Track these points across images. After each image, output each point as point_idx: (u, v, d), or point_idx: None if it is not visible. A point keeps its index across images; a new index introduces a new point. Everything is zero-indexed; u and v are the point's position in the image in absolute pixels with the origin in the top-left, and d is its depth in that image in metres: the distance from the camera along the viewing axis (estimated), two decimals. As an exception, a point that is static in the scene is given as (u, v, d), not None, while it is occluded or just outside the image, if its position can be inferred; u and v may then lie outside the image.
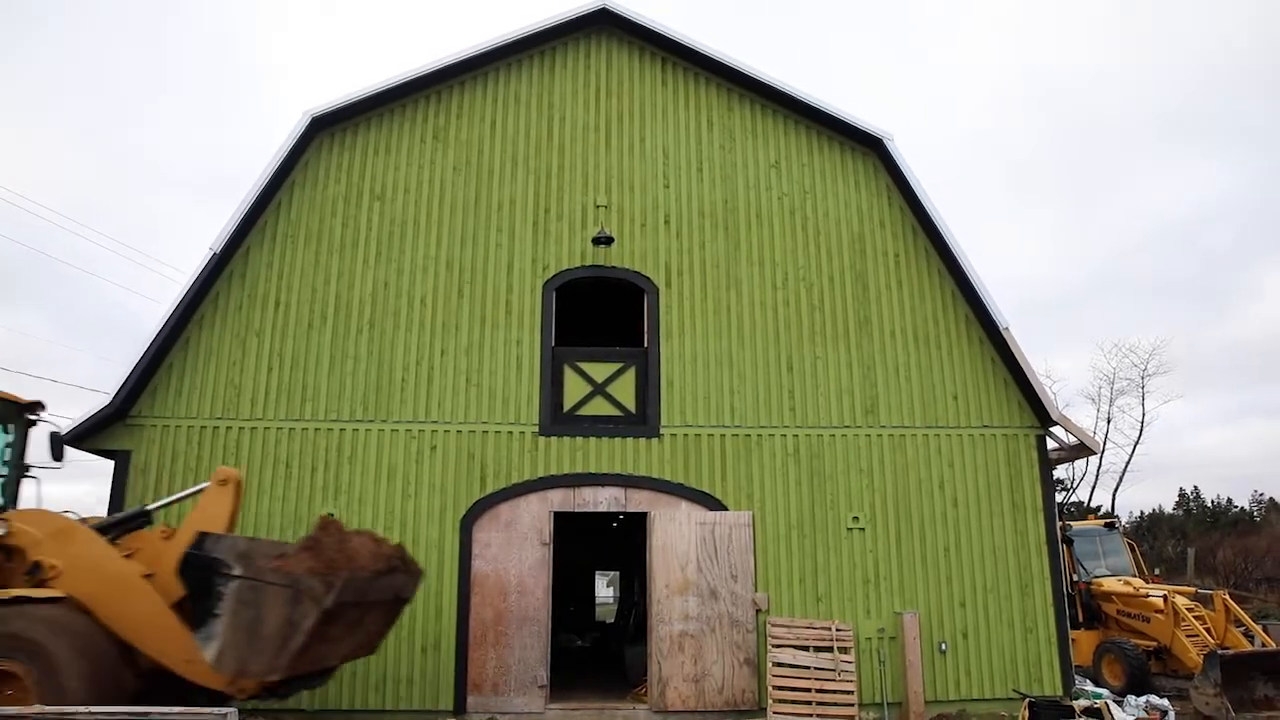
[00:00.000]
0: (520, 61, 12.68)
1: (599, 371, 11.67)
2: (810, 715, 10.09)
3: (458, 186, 12.07)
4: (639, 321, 12.59)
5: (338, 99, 11.90)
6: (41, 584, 6.95)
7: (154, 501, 8.68)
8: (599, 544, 20.44)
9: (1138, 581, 14.07)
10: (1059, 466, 15.13)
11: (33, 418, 8.60)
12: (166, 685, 7.04)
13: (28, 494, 8.45)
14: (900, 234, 12.36)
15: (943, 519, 11.40)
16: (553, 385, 11.48)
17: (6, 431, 8.31)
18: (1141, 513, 40.04)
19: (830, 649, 10.50)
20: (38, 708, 6.15)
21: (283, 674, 6.63)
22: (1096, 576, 14.39)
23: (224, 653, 6.46)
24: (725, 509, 11.19)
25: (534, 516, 11.02)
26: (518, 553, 10.91)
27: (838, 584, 11.09)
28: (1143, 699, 11.17)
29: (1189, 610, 12.59)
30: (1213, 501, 40.20)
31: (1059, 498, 30.43)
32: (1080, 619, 13.89)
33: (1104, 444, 31.15)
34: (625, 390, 11.60)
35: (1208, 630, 12.37)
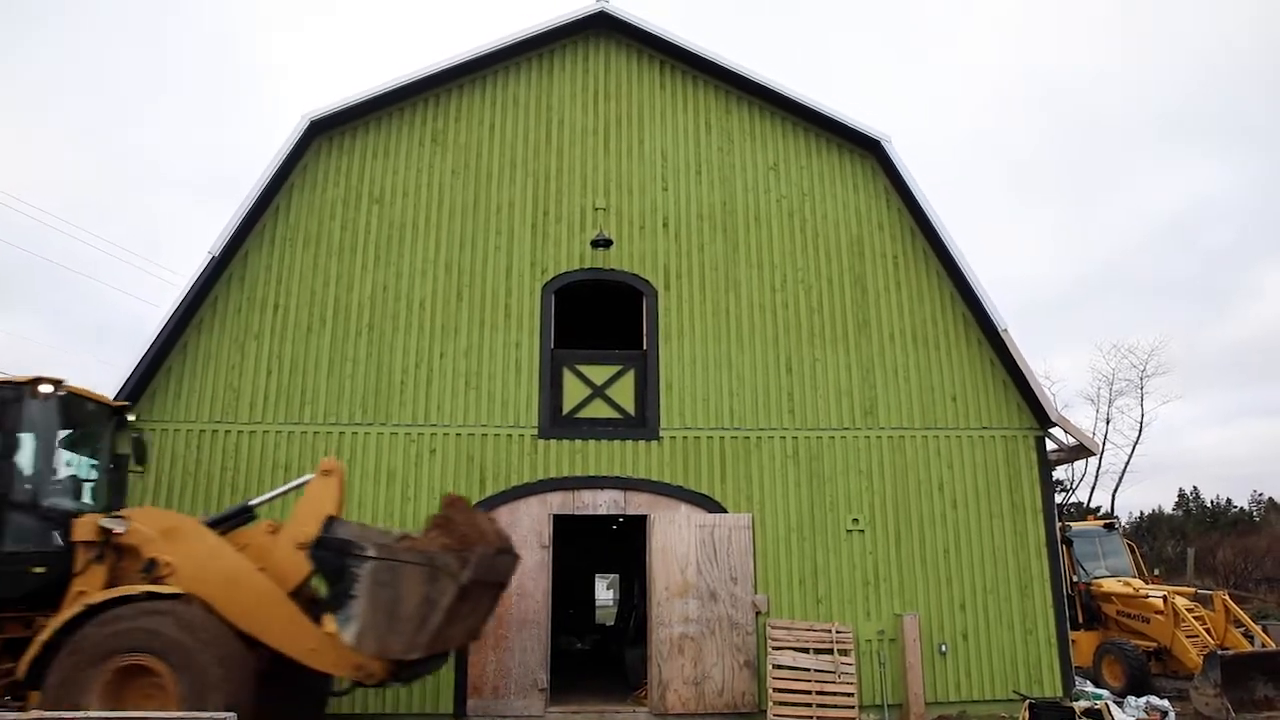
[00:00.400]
0: (519, 64, 12.70)
1: (598, 374, 11.67)
2: (810, 717, 10.09)
3: (457, 189, 12.08)
4: (638, 324, 12.59)
5: (336, 102, 11.92)
6: (157, 581, 6.94)
7: (255, 497, 8.53)
8: (599, 547, 20.43)
9: (1137, 582, 14.08)
10: (1058, 467, 15.14)
11: (122, 420, 8.62)
12: (286, 674, 7.05)
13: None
14: (899, 236, 12.38)
15: (942, 520, 11.41)
16: (552, 388, 11.48)
17: (96, 434, 8.28)
18: (1141, 513, 40.08)
19: (830, 651, 10.50)
20: (36, 712, 6.15)
21: (422, 652, 6.70)
22: (1096, 577, 14.40)
23: (364, 633, 6.46)
24: (725, 511, 11.19)
25: (533, 519, 11.02)
26: (517, 555, 10.89)
27: (837, 586, 11.09)
28: (1143, 700, 11.17)
29: (1189, 611, 12.59)
30: (1212, 502, 40.23)
31: (1058, 499, 30.42)
32: (1080, 620, 13.89)
33: (1103, 445, 31.18)
34: (624, 393, 11.60)
35: (1207, 631, 12.38)
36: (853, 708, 10.18)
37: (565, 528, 12.05)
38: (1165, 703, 11.04)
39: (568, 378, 11.60)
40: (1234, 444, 53.64)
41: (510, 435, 11.25)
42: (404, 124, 12.30)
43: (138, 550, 7.17)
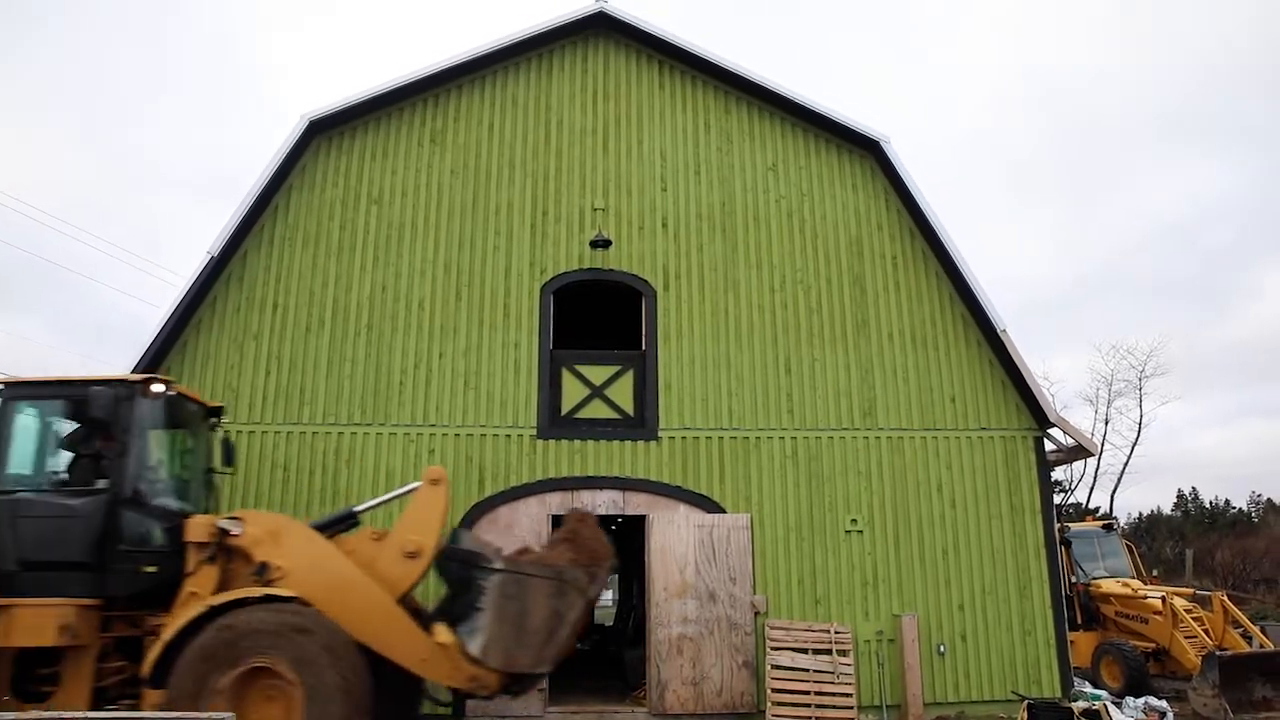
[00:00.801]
0: (518, 65, 12.70)
1: (597, 374, 11.67)
2: (809, 718, 10.09)
3: (455, 190, 12.08)
4: (637, 324, 12.60)
5: (335, 102, 11.92)
6: (268, 584, 6.84)
7: (360, 504, 8.36)
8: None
9: (1136, 583, 14.09)
10: (1057, 468, 15.15)
11: (215, 421, 8.60)
12: (393, 682, 6.99)
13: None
14: (898, 236, 12.39)
15: (941, 521, 11.41)
16: (551, 388, 11.48)
17: (195, 435, 8.24)
18: (1140, 514, 40.10)
19: (829, 651, 10.50)
20: (35, 712, 6.14)
21: (548, 666, 6.67)
22: (1095, 578, 14.41)
23: (490, 645, 6.39)
24: (723, 511, 11.19)
25: (532, 519, 11.02)
26: (516, 556, 10.88)
27: (836, 586, 11.09)
28: (1141, 700, 11.18)
29: (1187, 612, 12.60)
30: (1211, 503, 40.23)
31: (1057, 499, 30.46)
32: (1079, 621, 13.90)
33: (1102, 445, 31.20)
34: (623, 393, 11.60)
35: (1206, 632, 12.38)
36: (851, 708, 10.18)
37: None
38: (1163, 703, 11.04)
39: (567, 378, 11.60)
40: (1233, 445, 53.71)
41: (509, 435, 11.25)
42: (403, 124, 12.30)
43: (247, 552, 7.06)
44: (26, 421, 7.29)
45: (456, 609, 6.57)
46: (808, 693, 10.21)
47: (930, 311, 12.13)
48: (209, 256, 11.07)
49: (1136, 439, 32.09)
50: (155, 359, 10.82)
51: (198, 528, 7.13)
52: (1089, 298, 57.33)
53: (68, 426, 7.45)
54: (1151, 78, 74.07)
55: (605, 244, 11.80)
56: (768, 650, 10.47)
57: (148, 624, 7.07)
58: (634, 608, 15.82)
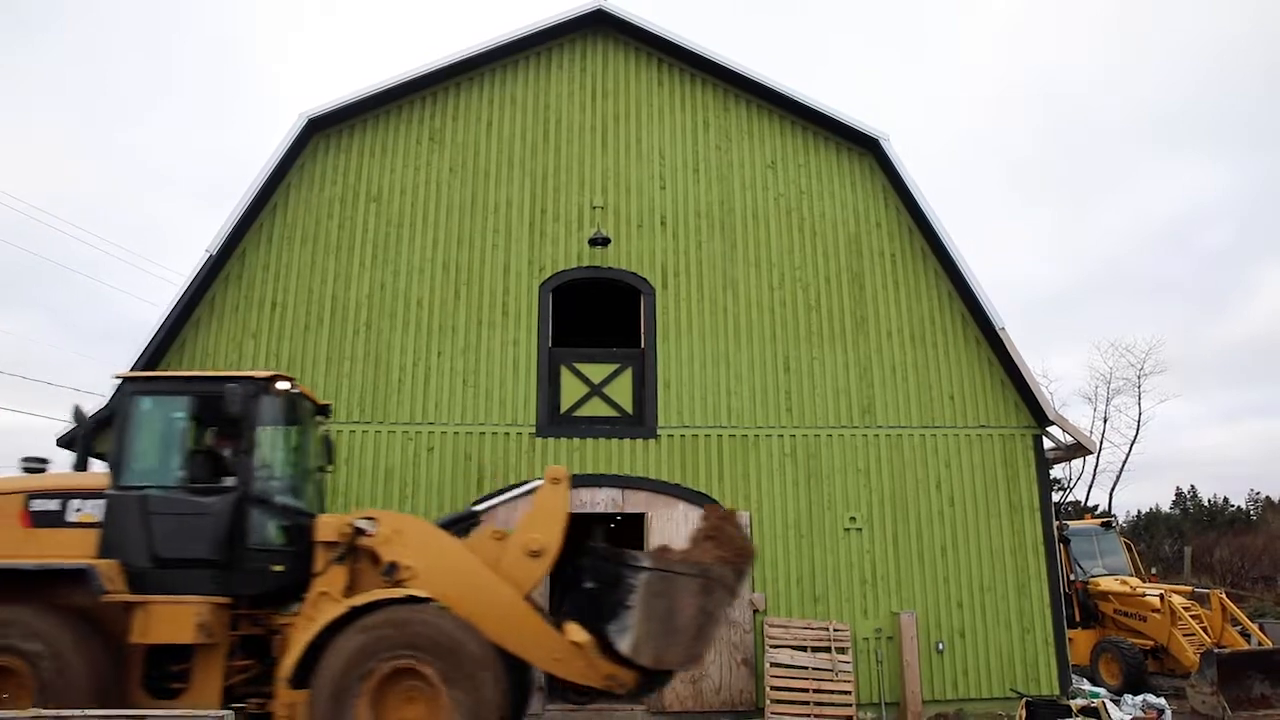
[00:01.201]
0: (516, 63, 12.69)
1: (596, 373, 11.67)
2: (808, 715, 10.10)
3: (454, 188, 12.08)
4: (636, 322, 12.59)
5: (334, 100, 11.91)
6: (397, 584, 6.74)
7: (481, 502, 8.36)
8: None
9: (1134, 581, 14.10)
10: (1056, 466, 15.16)
11: (322, 418, 8.51)
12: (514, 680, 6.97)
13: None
14: (896, 234, 12.39)
15: (940, 519, 11.42)
16: (550, 386, 11.48)
17: (306, 432, 8.12)
18: (1138, 512, 40.07)
19: (828, 649, 10.50)
20: (34, 711, 6.14)
21: (697, 664, 6.70)
22: (1093, 576, 14.43)
23: (640, 643, 6.35)
24: (722, 509, 11.18)
25: (531, 518, 10.99)
26: (515, 554, 10.87)
27: (835, 584, 11.09)
28: (1139, 698, 11.20)
29: (1185, 609, 12.62)
30: (1209, 500, 40.21)
31: (1056, 497, 30.48)
32: (1077, 618, 13.92)
33: (1100, 443, 31.20)
34: (622, 391, 11.61)
35: (1204, 629, 12.40)
36: (850, 706, 10.19)
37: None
38: (1162, 701, 11.06)
39: (566, 376, 11.60)
40: (1232, 443, 53.65)
41: (508, 434, 11.25)
42: (402, 122, 12.30)
43: (373, 552, 6.96)
44: (147, 417, 7.20)
45: (606, 607, 6.52)
46: (807, 690, 10.21)
47: (929, 309, 12.13)
48: (207, 255, 11.06)
49: (1135, 437, 32.12)
50: (154, 357, 10.81)
51: (328, 527, 7.05)
52: (1088, 297, 57.34)
53: (188, 422, 7.28)
54: (1151, 78, 74.07)
55: (604, 242, 11.80)
56: (767, 648, 10.47)
57: (273, 622, 7.05)
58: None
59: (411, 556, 6.89)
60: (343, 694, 6.17)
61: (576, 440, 11.31)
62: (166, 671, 6.71)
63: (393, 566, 6.82)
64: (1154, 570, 17.46)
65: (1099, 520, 16.17)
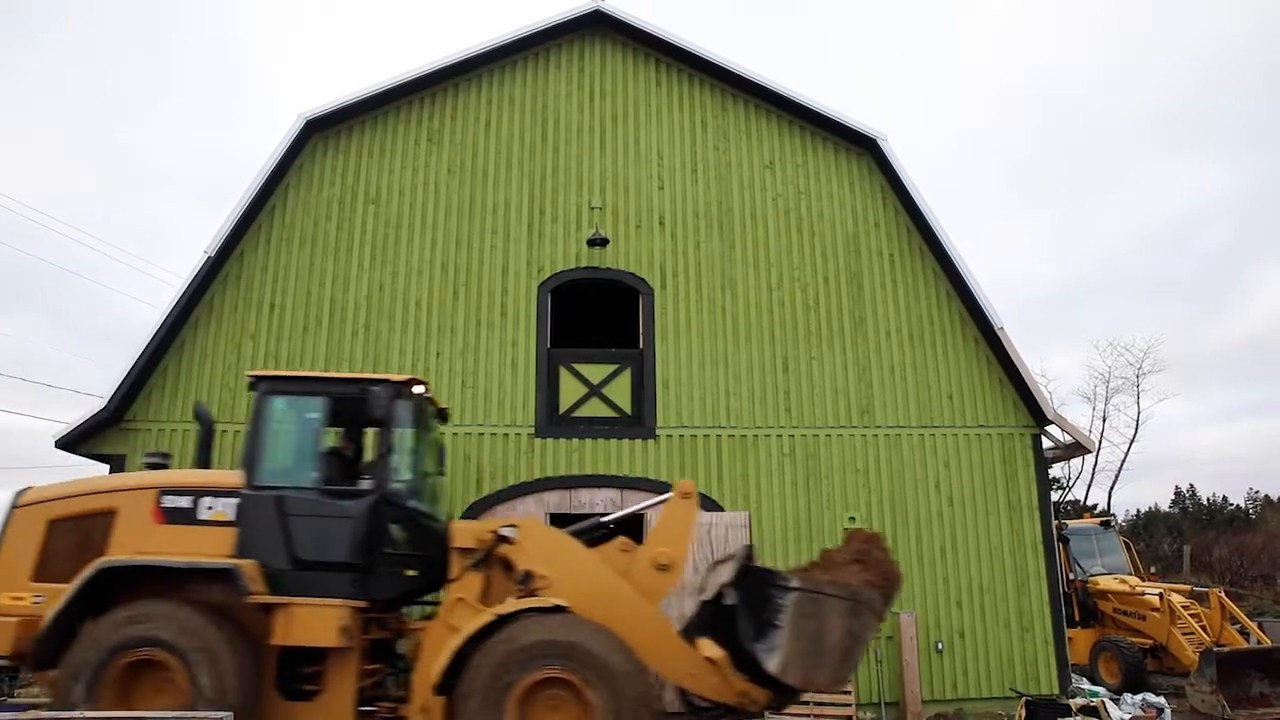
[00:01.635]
0: (514, 63, 12.69)
1: (594, 373, 11.67)
2: (807, 715, 10.08)
3: (452, 189, 12.08)
4: (634, 323, 12.59)
5: (332, 102, 11.91)
6: (532, 593, 6.69)
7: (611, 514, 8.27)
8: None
9: (1134, 580, 14.10)
10: (1055, 465, 15.15)
11: (441, 423, 8.51)
12: None
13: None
14: (895, 234, 12.39)
15: (939, 519, 11.42)
16: (548, 387, 11.48)
17: (428, 437, 8.07)
18: (1137, 511, 40.07)
19: (827, 649, 10.47)
20: (33, 712, 6.12)
21: (843, 685, 6.70)
22: (1093, 575, 14.42)
23: (789, 663, 6.35)
24: (721, 510, 11.18)
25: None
26: (514, 555, 10.87)
27: (834, 584, 11.07)
28: (1139, 697, 11.20)
29: (1185, 608, 12.61)
30: (1209, 499, 40.21)
31: (1055, 496, 30.49)
32: (1076, 617, 13.91)
33: (1099, 442, 31.20)
34: (621, 392, 11.60)
35: (1204, 628, 12.40)
36: (850, 705, 10.17)
37: (562, 527, 12.00)
38: (1161, 700, 11.05)
39: (564, 377, 11.60)
40: (1231, 442, 53.67)
41: (507, 434, 11.24)
42: (400, 123, 12.29)
43: (508, 559, 6.92)
44: (281, 416, 7.15)
45: (755, 626, 6.50)
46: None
47: (928, 309, 12.13)
48: (206, 256, 11.06)
49: (1134, 436, 32.13)
50: (153, 358, 10.82)
51: (465, 533, 7.03)
52: (1087, 296, 57.35)
53: (320, 423, 7.17)
54: (1150, 78, 74.09)
55: (602, 242, 11.80)
56: (766, 648, 10.44)
57: (401, 626, 7.04)
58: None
59: (546, 565, 6.84)
60: (487, 703, 6.12)
61: (575, 441, 11.31)
62: (299, 673, 6.65)
63: (528, 575, 6.77)
64: (1153, 569, 17.48)
65: (1098, 519, 16.17)
